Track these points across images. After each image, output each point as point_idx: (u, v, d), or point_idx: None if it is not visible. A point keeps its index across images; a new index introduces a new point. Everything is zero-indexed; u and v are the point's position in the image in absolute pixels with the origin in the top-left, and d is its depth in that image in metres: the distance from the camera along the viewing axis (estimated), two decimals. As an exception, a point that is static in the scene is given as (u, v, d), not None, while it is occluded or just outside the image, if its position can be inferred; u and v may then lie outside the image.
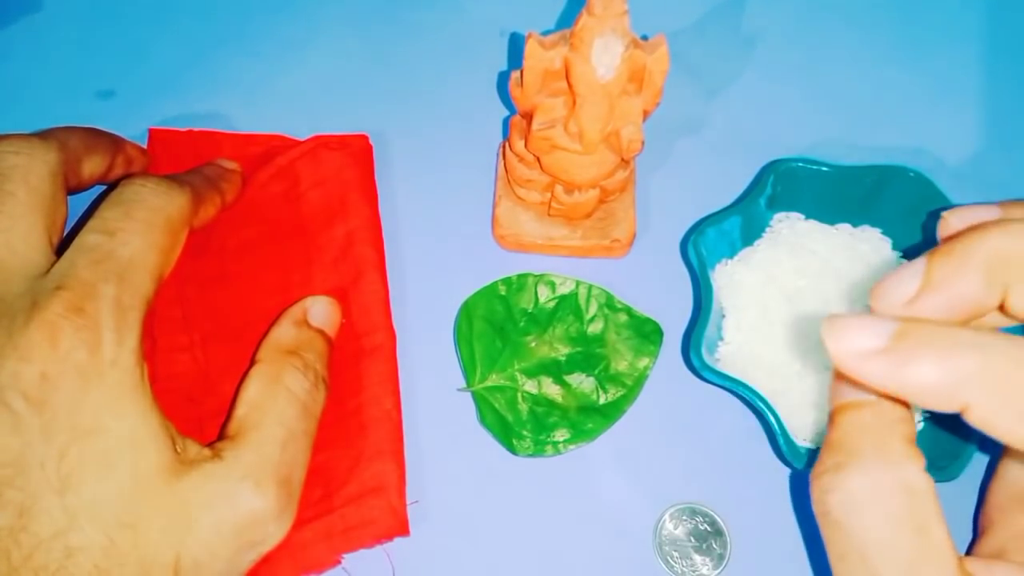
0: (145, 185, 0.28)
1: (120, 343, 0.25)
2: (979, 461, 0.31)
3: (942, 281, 0.22)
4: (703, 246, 0.33)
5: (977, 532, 0.30)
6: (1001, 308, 0.22)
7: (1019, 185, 0.39)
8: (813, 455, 0.31)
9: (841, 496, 0.22)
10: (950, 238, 0.23)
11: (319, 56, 0.41)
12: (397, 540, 0.31)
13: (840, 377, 0.23)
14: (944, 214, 0.25)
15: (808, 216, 0.36)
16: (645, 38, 0.31)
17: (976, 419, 0.20)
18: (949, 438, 0.31)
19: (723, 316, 0.34)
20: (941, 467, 0.30)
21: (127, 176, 0.33)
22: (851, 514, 0.21)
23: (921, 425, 0.32)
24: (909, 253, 0.35)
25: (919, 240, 0.34)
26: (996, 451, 0.32)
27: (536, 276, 0.35)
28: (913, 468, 0.22)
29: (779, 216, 0.36)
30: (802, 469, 0.31)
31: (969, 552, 0.29)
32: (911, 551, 0.21)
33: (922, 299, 0.22)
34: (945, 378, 0.20)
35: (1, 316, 0.25)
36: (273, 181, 0.36)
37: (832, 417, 0.23)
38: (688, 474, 0.33)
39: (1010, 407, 0.20)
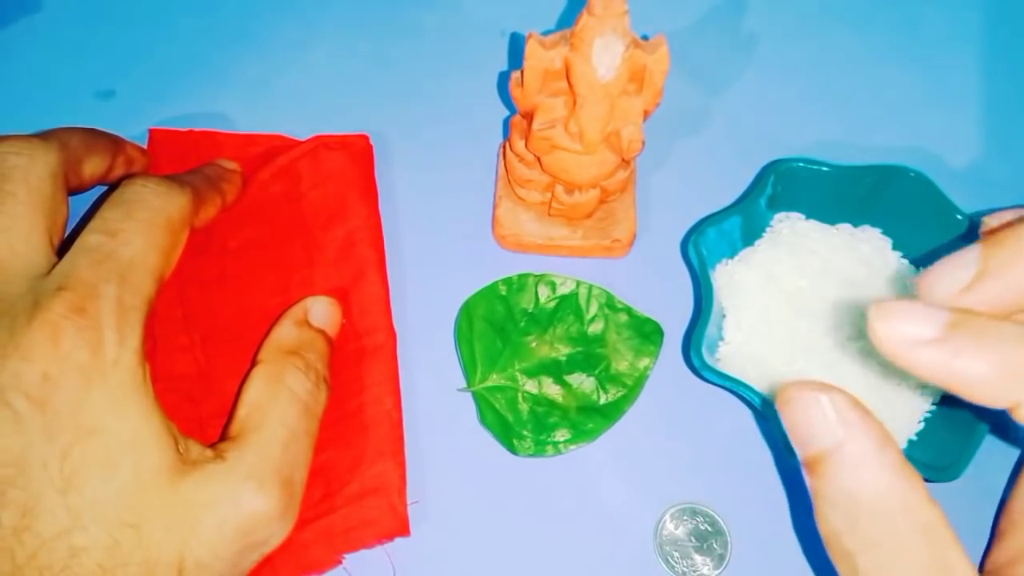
0: (146, 185, 0.28)
1: (122, 343, 0.25)
2: (979, 462, 0.31)
3: (999, 268, 0.21)
4: (703, 246, 0.33)
5: (994, 534, 0.30)
6: None
7: (1019, 185, 0.39)
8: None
9: (870, 559, 0.21)
10: (995, 231, 0.22)
11: (319, 56, 0.41)
12: (397, 540, 0.31)
13: (791, 421, 0.22)
14: (984, 219, 0.24)
15: (808, 216, 0.36)
16: (645, 38, 0.31)
17: None
18: (950, 438, 0.31)
19: (723, 316, 0.34)
20: (942, 467, 0.30)
21: (128, 176, 0.33)
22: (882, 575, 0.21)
23: (922, 425, 0.32)
24: (909, 253, 0.35)
25: (919, 240, 0.34)
26: (1021, 455, 0.32)
27: (536, 276, 0.35)
28: (920, 500, 0.21)
29: (779, 216, 0.36)
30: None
31: (986, 554, 0.29)
32: None
33: (978, 287, 0.21)
34: (998, 373, 0.20)
35: (3, 316, 0.25)
36: (273, 181, 0.36)
37: (810, 466, 0.22)
38: (688, 474, 0.33)
39: None
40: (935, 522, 0.21)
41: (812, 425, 0.22)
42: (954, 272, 0.22)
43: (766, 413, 0.30)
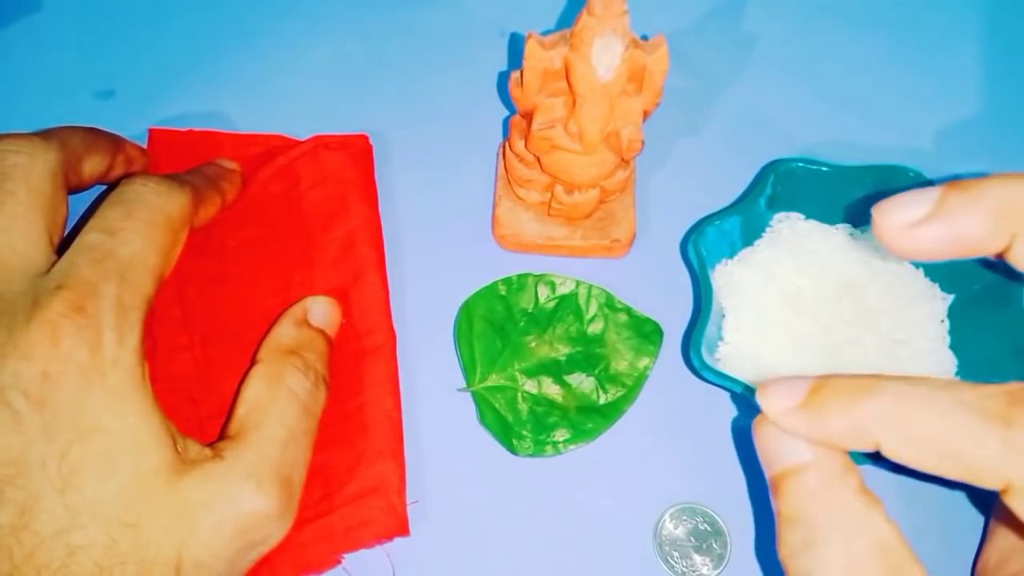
0: (146, 184, 0.28)
1: (121, 342, 0.25)
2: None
3: (951, 212, 0.22)
4: (703, 246, 0.33)
5: (985, 534, 0.30)
6: (1001, 255, 0.23)
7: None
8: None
9: (826, 573, 0.22)
10: (964, 182, 0.23)
11: (319, 56, 0.41)
12: (397, 540, 0.31)
13: (761, 442, 0.24)
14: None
15: (808, 216, 0.36)
16: (645, 38, 0.31)
17: (889, 454, 0.21)
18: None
19: (723, 316, 0.34)
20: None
21: (127, 176, 0.33)
22: None
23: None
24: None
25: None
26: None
27: (536, 276, 0.35)
28: (878, 521, 0.22)
29: (779, 216, 0.36)
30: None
31: (978, 555, 0.30)
32: None
33: (927, 225, 0.23)
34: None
35: (2, 315, 0.25)
36: (273, 181, 0.36)
37: (774, 486, 0.23)
38: (688, 474, 0.33)
39: (911, 441, 0.21)
40: (892, 540, 0.22)
41: (781, 445, 0.23)
42: (909, 207, 0.23)
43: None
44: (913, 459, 0.21)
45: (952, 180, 0.23)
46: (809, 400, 0.22)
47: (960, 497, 0.32)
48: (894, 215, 0.23)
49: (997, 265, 0.30)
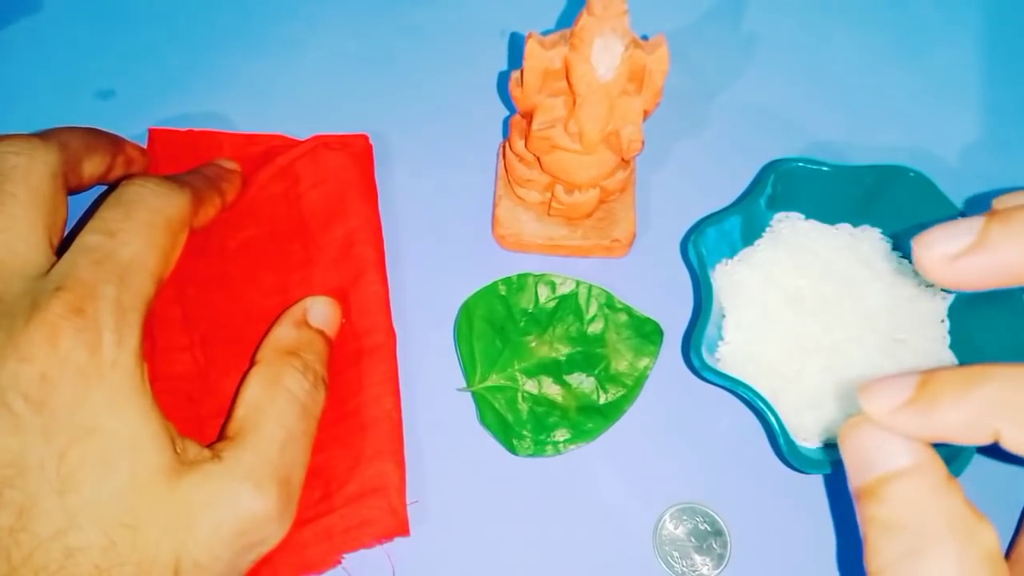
0: (145, 185, 0.28)
1: (120, 344, 0.25)
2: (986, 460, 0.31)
3: (996, 244, 0.22)
4: (703, 246, 0.33)
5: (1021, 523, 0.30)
6: None
7: (1019, 185, 0.39)
8: (813, 456, 0.31)
9: None
10: (1006, 211, 0.23)
11: (319, 56, 0.41)
12: (397, 540, 0.31)
13: (855, 445, 0.23)
14: (994, 200, 0.25)
15: (808, 216, 0.36)
16: (645, 38, 0.31)
17: (1009, 443, 0.20)
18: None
19: (723, 316, 0.34)
20: (946, 460, 0.30)
21: (127, 176, 0.33)
22: None
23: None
24: (909, 253, 0.35)
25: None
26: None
27: (536, 276, 0.35)
28: (988, 529, 0.21)
29: (779, 216, 0.36)
30: (802, 469, 0.31)
31: (1013, 542, 0.30)
32: None
33: (970, 256, 0.22)
34: (970, 414, 0.21)
35: (1, 316, 0.24)
36: (273, 181, 0.36)
37: (869, 491, 0.22)
38: (688, 474, 0.33)
39: None
40: (998, 550, 0.21)
41: (879, 449, 0.22)
42: (952, 237, 0.22)
43: (764, 412, 0.30)
44: None
45: (992, 211, 0.23)
46: (918, 395, 0.21)
47: (990, 486, 0.32)
48: (936, 247, 0.22)
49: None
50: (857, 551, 0.22)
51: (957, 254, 0.22)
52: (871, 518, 0.22)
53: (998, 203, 0.25)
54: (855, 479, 0.23)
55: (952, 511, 0.21)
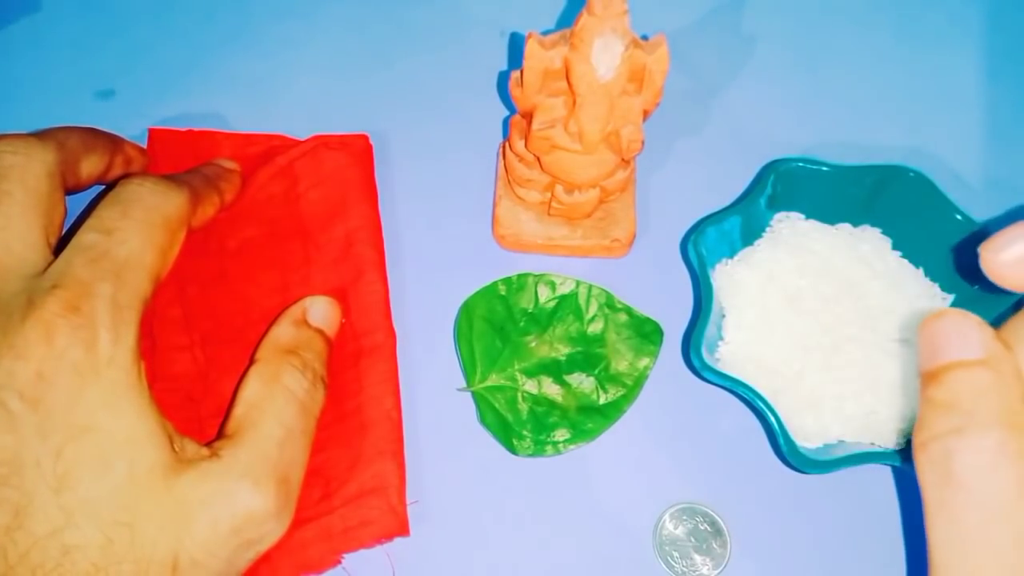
0: (143, 184, 0.28)
1: (116, 342, 0.25)
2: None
3: None
4: (703, 246, 0.33)
5: None
6: None
7: (1019, 185, 0.39)
8: (812, 455, 0.31)
9: (970, 459, 0.21)
10: None
11: (319, 56, 0.41)
12: (397, 540, 0.31)
13: (933, 332, 0.23)
14: None
15: (808, 216, 0.36)
16: (645, 38, 0.31)
17: None
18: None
19: (723, 316, 0.34)
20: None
21: (126, 176, 0.33)
22: (980, 477, 0.21)
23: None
24: (909, 253, 0.35)
25: (919, 240, 0.34)
26: None
27: (536, 276, 0.35)
28: None
29: (779, 216, 0.36)
30: (802, 469, 0.31)
31: None
32: None
33: None
34: None
35: None
36: (273, 181, 0.36)
37: (935, 375, 0.23)
38: (688, 474, 0.33)
39: None
40: None
41: (959, 337, 0.23)
42: (1019, 241, 0.23)
43: (764, 412, 0.30)
44: None
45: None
46: None
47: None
48: (1005, 252, 0.23)
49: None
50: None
51: None
52: (930, 398, 0.22)
53: None
54: (925, 363, 0.23)
55: (1007, 404, 0.21)
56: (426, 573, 0.31)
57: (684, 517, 0.32)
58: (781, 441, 0.30)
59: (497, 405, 0.33)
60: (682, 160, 0.39)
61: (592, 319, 0.34)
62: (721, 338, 0.33)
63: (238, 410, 0.28)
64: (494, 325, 0.34)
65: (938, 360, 0.23)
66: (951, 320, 0.23)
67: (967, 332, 0.23)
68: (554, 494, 0.32)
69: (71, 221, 0.31)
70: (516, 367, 0.34)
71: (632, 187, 0.37)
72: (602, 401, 0.33)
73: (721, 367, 0.32)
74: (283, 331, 0.31)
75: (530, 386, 0.33)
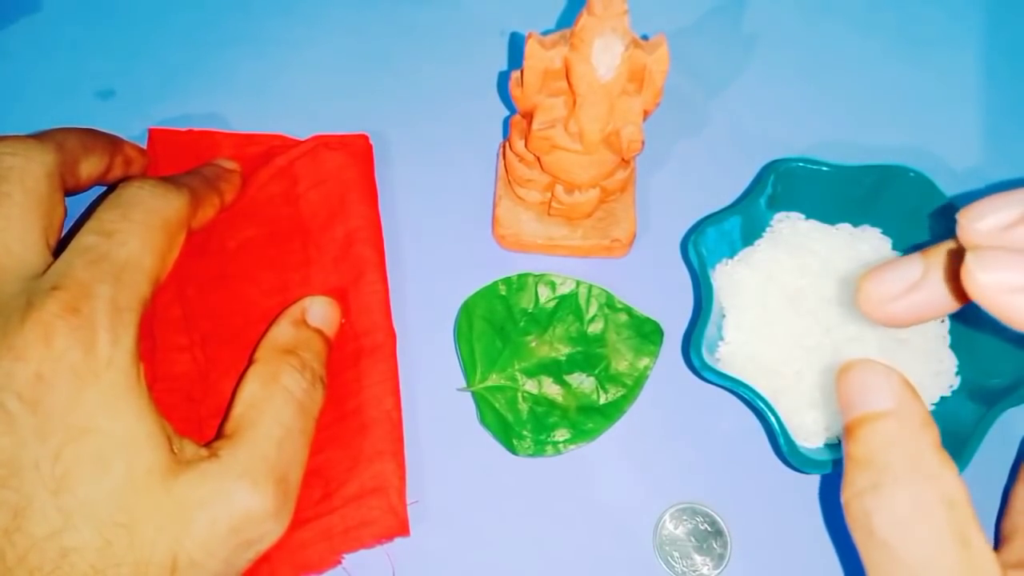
0: (143, 187, 0.28)
1: (115, 343, 0.25)
2: (986, 459, 0.31)
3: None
4: (703, 246, 0.33)
5: (999, 539, 0.30)
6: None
7: (1019, 185, 0.39)
8: (812, 455, 0.31)
9: (886, 516, 0.21)
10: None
11: (319, 56, 0.41)
12: (397, 540, 0.31)
13: (846, 386, 0.23)
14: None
15: (808, 216, 0.36)
16: (645, 38, 0.31)
17: None
18: (952, 434, 0.31)
19: (723, 316, 0.34)
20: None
21: (126, 177, 0.33)
22: (897, 534, 0.21)
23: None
24: (909, 253, 0.35)
25: (919, 240, 0.34)
26: (1019, 455, 0.32)
27: (536, 276, 0.35)
28: (950, 477, 0.22)
29: (779, 216, 0.36)
30: (802, 469, 0.31)
31: None
32: (958, 564, 0.21)
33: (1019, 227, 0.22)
34: None
35: None
36: (273, 181, 0.36)
37: (850, 430, 0.23)
38: (688, 474, 0.33)
39: None
40: (961, 498, 0.21)
41: (868, 389, 0.23)
42: (1002, 208, 0.22)
43: (764, 412, 0.30)
44: None
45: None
46: None
47: (975, 470, 0.32)
48: (984, 220, 0.22)
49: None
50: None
51: (1017, 287, 0.21)
52: (848, 454, 0.23)
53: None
54: (843, 418, 0.24)
55: (918, 453, 0.22)
56: (426, 573, 0.31)
57: (684, 517, 0.32)
58: (781, 441, 0.30)
59: (497, 405, 0.33)
60: (682, 160, 0.39)
61: (592, 319, 0.34)
62: (721, 338, 0.33)
63: (237, 410, 0.28)
64: (494, 325, 0.34)
65: (852, 413, 0.23)
66: (860, 371, 0.23)
67: (875, 382, 0.23)
68: (554, 494, 0.32)
69: (71, 222, 0.31)
70: (516, 367, 0.34)
71: (632, 187, 0.37)
72: (602, 401, 0.33)
73: (721, 367, 0.32)
74: (282, 331, 0.31)
75: (530, 386, 0.33)
